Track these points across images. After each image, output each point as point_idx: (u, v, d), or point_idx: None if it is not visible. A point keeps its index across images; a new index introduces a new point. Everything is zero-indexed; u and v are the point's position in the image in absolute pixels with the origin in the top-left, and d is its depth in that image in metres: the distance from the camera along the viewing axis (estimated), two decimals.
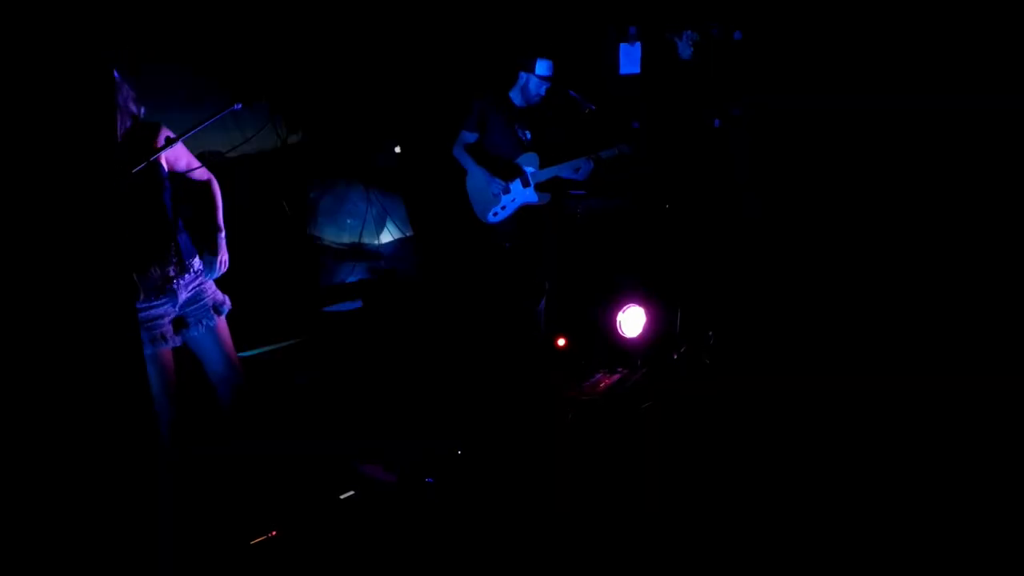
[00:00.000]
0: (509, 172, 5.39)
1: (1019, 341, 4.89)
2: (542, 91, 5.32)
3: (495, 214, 5.46)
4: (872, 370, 4.92)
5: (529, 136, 5.44)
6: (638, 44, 6.79)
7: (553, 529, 3.51)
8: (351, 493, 3.67)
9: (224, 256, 3.64)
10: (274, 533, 3.37)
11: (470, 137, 5.42)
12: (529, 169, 5.40)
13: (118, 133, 3.23)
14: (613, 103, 6.46)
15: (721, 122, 6.54)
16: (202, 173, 3.62)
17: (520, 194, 5.42)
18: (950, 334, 5.09)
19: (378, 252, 6.43)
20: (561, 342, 5.34)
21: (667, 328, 5.40)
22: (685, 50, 6.61)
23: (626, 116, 6.44)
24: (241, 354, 4.17)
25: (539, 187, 5.44)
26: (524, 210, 5.46)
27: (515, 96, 5.41)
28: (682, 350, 5.28)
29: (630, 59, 6.80)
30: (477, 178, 5.45)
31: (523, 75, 5.32)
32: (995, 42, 5.31)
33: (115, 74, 3.34)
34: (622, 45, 6.82)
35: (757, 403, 4.62)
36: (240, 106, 3.15)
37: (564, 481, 3.90)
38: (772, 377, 4.96)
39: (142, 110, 3.39)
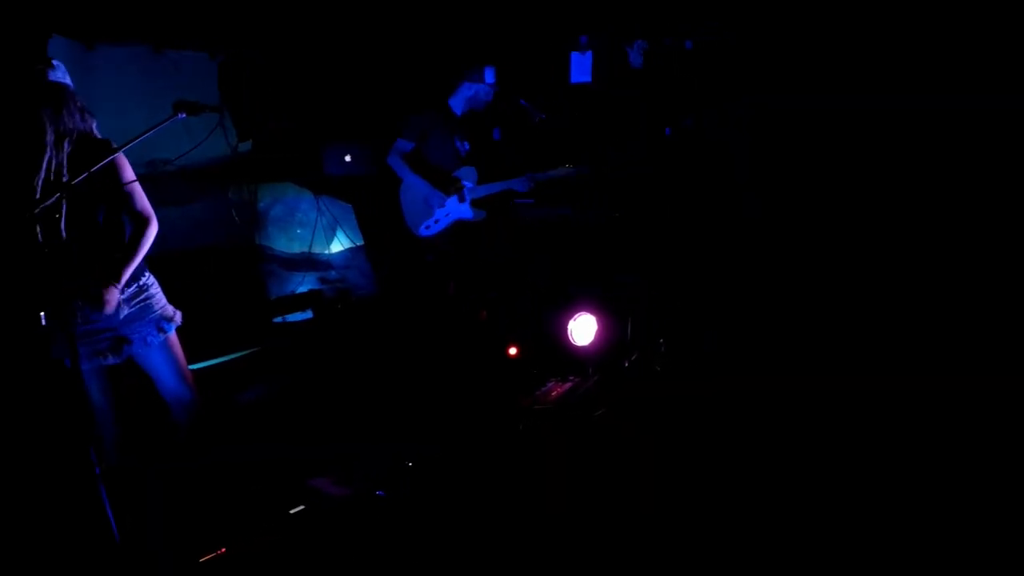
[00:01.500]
0: (447, 185, 5.32)
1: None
2: (490, 98, 5.29)
3: (427, 227, 5.37)
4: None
5: (468, 147, 5.37)
6: (589, 53, 6.83)
7: (510, 540, 3.52)
8: (301, 508, 3.64)
9: (111, 303, 3.26)
10: (224, 550, 3.34)
11: (406, 146, 5.31)
12: (467, 184, 5.32)
13: (60, 144, 3.17)
14: (566, 112, 6.51)
15: (672, 131, 6.61)
16: (144, 206, 3.41)
17: (455, 209, 5.34)
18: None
19: (328, 262, 6.39)
20: (513, 351, 5.35)
21: (618, 336, 5.42)
22: (636, 59, 6.67)
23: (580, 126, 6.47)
24: (191, 366, 4.14)
25: (475, 203, 5.36)
26: (457, 225, 5.39)
27: (455, 105, 5.34)
28: (633, 358, 5.32)
29: (581, 68, 6.84)
30: (413, 189, 5.34)
31: (466, 84, 5.25)
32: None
33: (69, 84, 3.30)
34: (573, 54, 6.85)
35: (717, 406, 4.68)
36: (184, 116, 3.10)
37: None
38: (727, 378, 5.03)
39: (94, 124, 3.34)
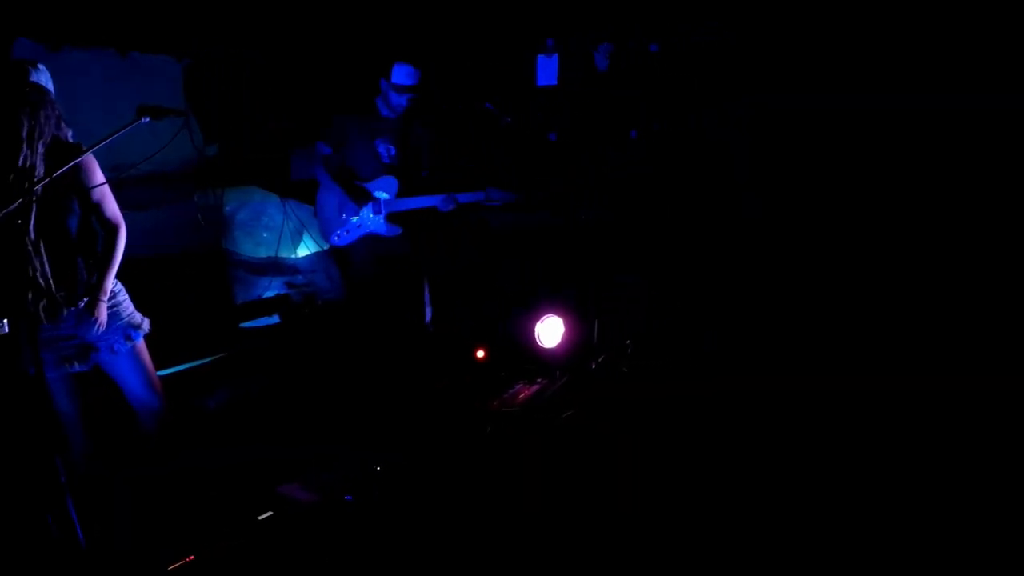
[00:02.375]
0: (364, 195, 5.03)
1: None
2: (404, 101, 4.88)
3: (338, 236, 5.11)
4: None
5: (394, 152, 5.05)
6: (555, 56, 6.86)
7: (479, 543, 3.54)
8: (269, 514, 3.64)
9: (102, 319, 3.36)
10: (192, 558, 3.33)
11: (324, 150, 5.03)
12: (384, 195, 5.01)
13: (34, 145, 3.16)
14: (533, 116, 6.54)
15: (638, 133, 6.67)
16: (114, 213, 3.42)
17: (368, 222, 5.05)
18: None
19: (295, 266, 6.37)
20: (480, 354, 5.37)
21: (585, 338, 5.47)
22: (602, 62, 6.71)
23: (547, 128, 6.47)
24: (159, 372, 4.12)
25: (392, 218, 5.07)
26: (372, 238, 5.09)
27: (381, 106, 5.01)
28: (600, 359, 5.36)
29: (547, 71, 6.87)
30: (328, 195, 5.08)
31: (383, 83, 4.90)
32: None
33: (50, 90, 3.28)
34: (539, 57, 6.87)
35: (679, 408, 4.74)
36: (148, 120, 3.08)
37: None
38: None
39: (69, 133, 3.32)
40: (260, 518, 3.63)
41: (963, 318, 5.27)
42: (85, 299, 3.35)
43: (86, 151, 3.09)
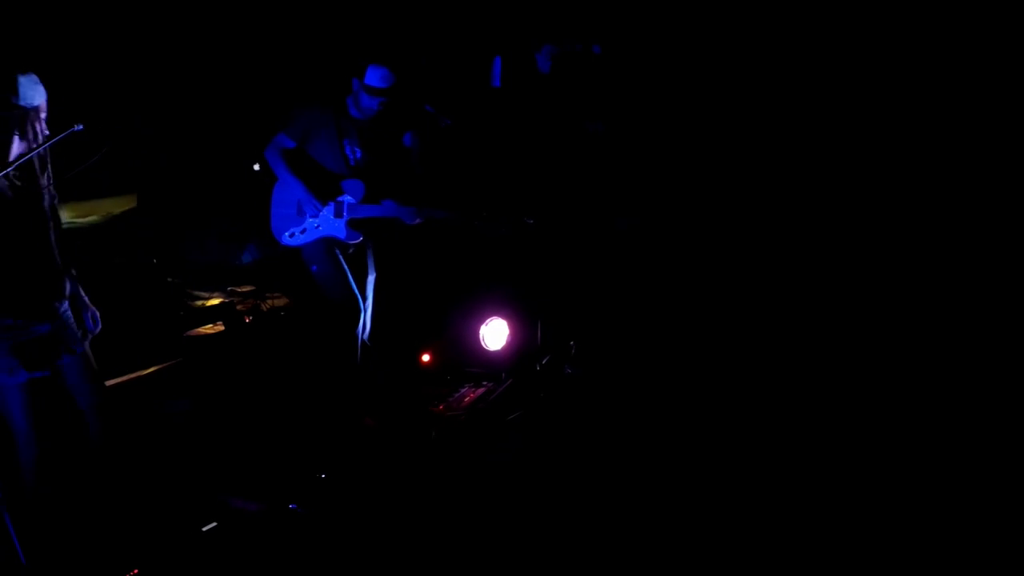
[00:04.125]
0: (330, 192, 4.76)
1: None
2: (375, 105, 4.65)
3: (291, 235, 4.81)
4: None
5: (360, 155, 4.82)
6: (498, 58, 6.89)
7: (424, 548, 3.59)
8: (214, 525, 3.65)
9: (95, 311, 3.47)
10: (136, 572, 3.34)
11: (287, 143, 4.69)
12: (348, 199, 4.77)
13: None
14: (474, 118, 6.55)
15: (579, 135, 6.73)
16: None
17: (327, 224, 4.76)
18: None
19: (241, 272, 6.35)
20: (426, 358, 5.41)
21: (530, 339, 5.52)
22: (544, 64, 6.75)
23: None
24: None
25: (353, 224, 4.79)
26: (326, 243, 4.81)
27: (351, 105, 4.76)
28: (544, 361, 5.43)
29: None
30: (288, 189, 4.77)
31: (356, 83, 4.66)
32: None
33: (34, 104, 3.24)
34: (496, 59, 6.86)
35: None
36: (81, 127, 3.05)
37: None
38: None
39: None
40: (205, 529, 3.64)
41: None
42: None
43: (27, 155, 3.06)
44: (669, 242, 6.33)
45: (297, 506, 3.83)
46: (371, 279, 5.00)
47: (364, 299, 4.89)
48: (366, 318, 4.94)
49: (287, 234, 4.79)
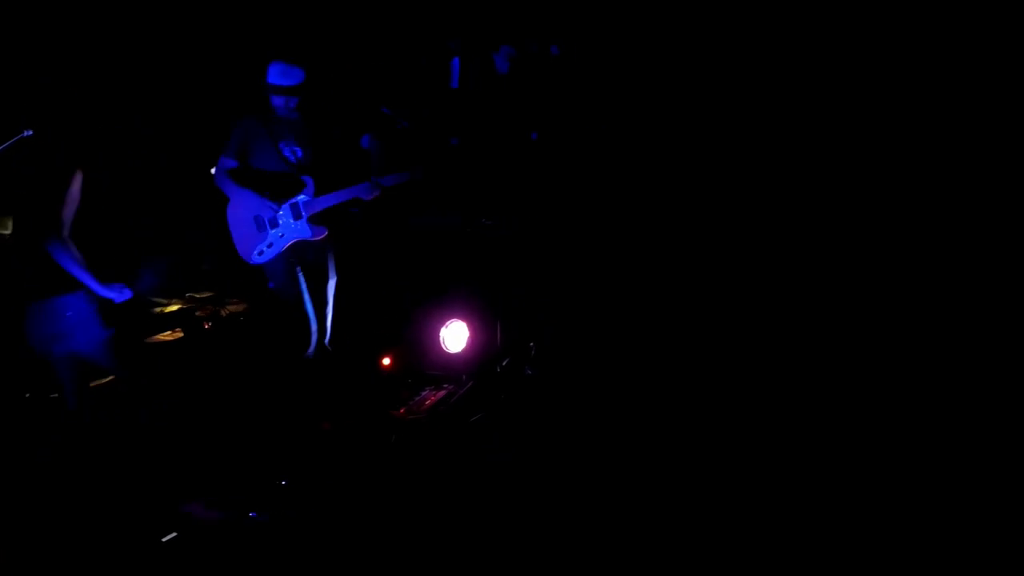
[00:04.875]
0: (286, 191, 4.70)
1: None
2: (281, 102, 4.57)
3: (260, 253, 4.72)
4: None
5: (300, 154, 4.76)
6: (456, 60, 6.90)
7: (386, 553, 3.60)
8: (174, 535, 3.64)
9: None
10: None
11: (230, 163, 4.69)
12: (302, 198, 4.71)
13: None
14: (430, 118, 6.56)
15: (539, 135, 6.77)
16: None
17: (290, 229, 4.70)
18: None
19: (200, 278, 6.30)
20: (387, 362, 5.40)
21: (490, 341, 5.54)
22: (502, 65, 6.78)
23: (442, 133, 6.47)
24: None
25: (314, 219, 4.74)
26: (287, 259, 4.75)
27: (278, 106, 4.68)
28: (504, 363, 5.45)
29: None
30: (240, 206, 4.69)
31: (267, 86, 4.58)
32: None
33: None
34: (455, 60, 6.87)
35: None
36: (31, 132, 3.03)
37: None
38: None
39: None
40: (164, 539, 3.63)
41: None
42: None
43: None
44: (627, 241, 6.38)
45: (257, 514, 3.82)
46: (332, 283, 4.96)
47: (325, 305, 4.86)
48: (314, 339, 4.91)
49: (256, 253, 4.70)
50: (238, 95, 5.55)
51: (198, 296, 5.93)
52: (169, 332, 5.38)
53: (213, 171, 4.73)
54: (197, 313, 5.63)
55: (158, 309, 5.83)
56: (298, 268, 4.76)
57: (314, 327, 4.82)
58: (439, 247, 5.95)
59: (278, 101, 4.55)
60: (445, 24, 6.84)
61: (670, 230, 6.39)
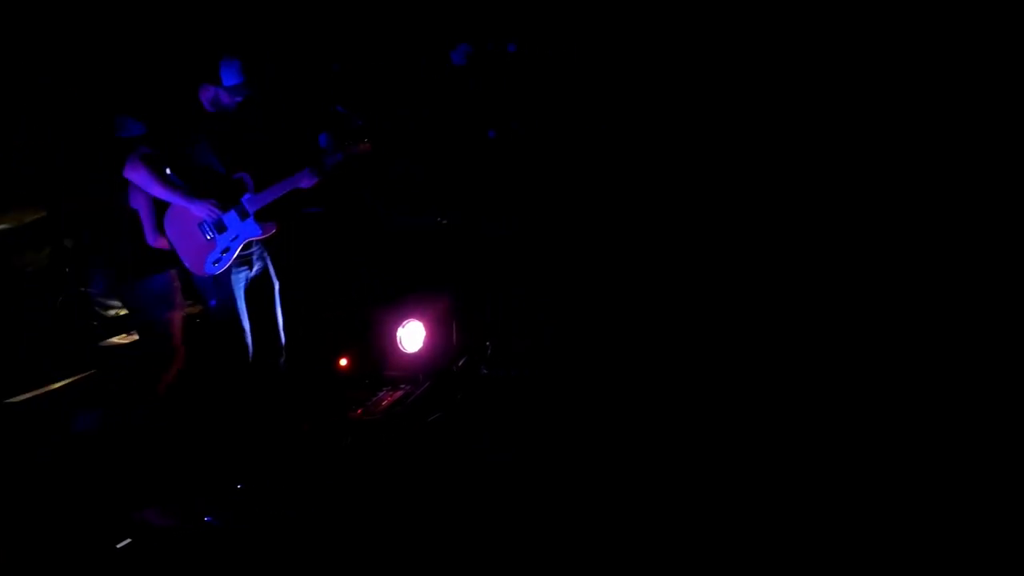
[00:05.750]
0: (226, 198, 4.46)
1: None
2: (238, 101, 4.41)
3: (216, 262, 4.42)
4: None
5: (236, 154, 4.55)
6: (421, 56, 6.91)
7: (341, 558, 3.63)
8: (128, 541, 3.65)
9: None
10: None
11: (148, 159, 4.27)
12: (244, 196, 4.50)
13: None
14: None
15: (497, 133, 6.80)
16: None
17: (241, 229, 4.47)
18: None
19: None
20: (344, 362, 5.41)
21: (447, 340, 5.57)
22: (459, 62, 6.80)
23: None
24: (13, 399, 4.08)
25: (260, 215, 4.52)
26: (228, 274, 4.49)
27: (205, 104, 4.44)
28: (461, 362, 5.48)
29: None
30: (180, 217, 4.39)
31: (209, 87, 4.37)
32: None
33: None
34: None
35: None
36: None
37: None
38: None
39: None
40: (119, 546, 3.63)
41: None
42: None
43: None
44: (587, 240, 6.43)
45: (213, 519, 3.84)
46: (275, 288, 4.84)
47: (272, 318, 4.78)
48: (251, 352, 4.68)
49: (211, 263, 4.42)
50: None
51: None
52: (123, 335, 5.35)
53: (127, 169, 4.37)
54: None
55: (111, 312, 5.80)
56: (241, 286, 4.60)
57: (250, 341, 4.61)
58: (398, 246, 5.96)
59: (232, 100, 4.38)
60: (403, 21, 6.85)
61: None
